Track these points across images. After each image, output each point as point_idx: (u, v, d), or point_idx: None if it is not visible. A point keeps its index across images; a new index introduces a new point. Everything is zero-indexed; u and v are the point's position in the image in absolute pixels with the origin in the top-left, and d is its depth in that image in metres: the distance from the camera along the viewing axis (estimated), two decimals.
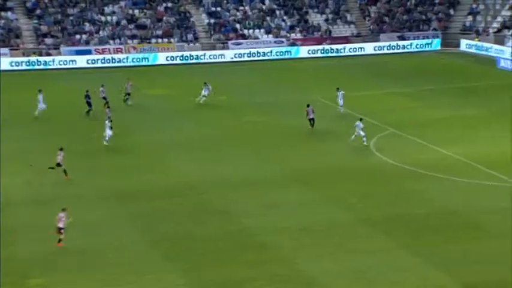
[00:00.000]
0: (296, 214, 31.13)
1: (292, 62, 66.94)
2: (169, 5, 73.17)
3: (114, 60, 65.54)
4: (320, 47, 69.60)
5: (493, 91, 53.49)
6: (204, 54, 67.58)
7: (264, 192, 33.93)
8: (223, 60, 67.24)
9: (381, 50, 70.03)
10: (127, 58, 65.96)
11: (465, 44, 69.77)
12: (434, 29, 72.65)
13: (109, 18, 71.02)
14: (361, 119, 40.05)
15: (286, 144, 40.97)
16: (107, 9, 71.76)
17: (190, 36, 70.05)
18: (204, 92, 49.66)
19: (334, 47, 69.58)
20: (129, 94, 49.49)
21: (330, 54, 68.93)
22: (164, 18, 71.64)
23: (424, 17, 74.16)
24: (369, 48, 69.93)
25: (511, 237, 28.28)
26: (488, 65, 62.69)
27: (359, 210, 31.43)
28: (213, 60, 67.05)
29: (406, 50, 70.21)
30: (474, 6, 73.78)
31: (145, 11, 72.27)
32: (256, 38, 70.80)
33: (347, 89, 48.79)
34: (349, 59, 67.51)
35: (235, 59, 67.34)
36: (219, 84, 54.94)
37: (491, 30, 70.35)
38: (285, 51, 68.83)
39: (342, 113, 45.87)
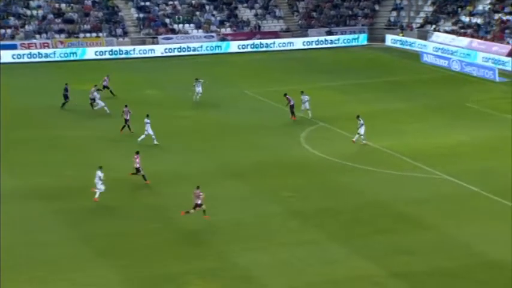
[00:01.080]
0: (229, 208, 31.27)
1: (222, 56, 66.97)
2: None
3: (40, 55, 64.08)
4: (250, 41, 69.86)
5: (417, 85, 54.87)
6: (134, 49, 66.87)
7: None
8: (153, 55, 66.72)
9: (309, 44, 70.81)
10: (54, 53, 64.60)
11: (390, 39, 71.29)
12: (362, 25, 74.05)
13: (35, 12, 69.33)
14: (358, 116, 39.58)
15: (218, 139, 41.03)
16: (32, 3, 70.02)
17: (119, 31, 69.13)
18: (198, 89, 48.56)
19: (264, 41, 69.98)
20: (93, 100, 47.43)
21: (260, 49, 69.27)
22: (92, 12, 70.46)
23: (350, 13, 75.38)
24: (298, 43, 70.63)
25: (438, 228, 29.22)
26: (412, 59, 64.22)
27: (290, 203, 31.81)
28: (143, 55, 66.41)
29: (334, 45, 71.22)
30: (398, 2, 75.46)
31: (72, 5, 70.88)
32: (187, 32, 70.50)
33: (278, 84, 49.15)
34: (279, 54, 68.00)
35: (165, 54, 66.91)
36: (149, 79, 54.58)
37: (414, 26, 72.10)
38: (216, 46, 68.80)
39: (310, 118, 44.43)
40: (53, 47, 65.37)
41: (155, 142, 39.42)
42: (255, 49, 69.26)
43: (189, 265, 26.00)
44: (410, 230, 28.95)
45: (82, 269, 25.62)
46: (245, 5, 74.78)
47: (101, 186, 31.53)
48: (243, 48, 69.13)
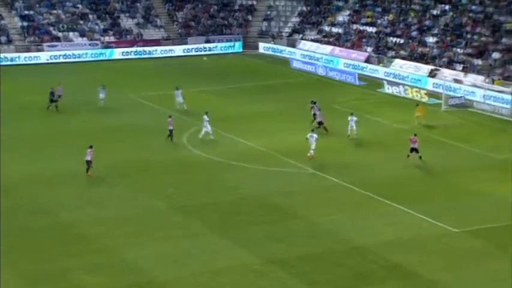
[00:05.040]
0: (117, 206, 30.83)
1: (107, 63, 65.63)
2: None
3: None
4: (133, 49, 68.94)
5: (287, 88, 56.20)
6: (19, 56, 64.28)
7: (85, 187, 33.24)
8: (38, 62, 64.40)
9: (189, 52, 70.77)
10: None
11: (263, 47, 72.54)
12: (237, 34, 74.88)
13: None
14: (352, 113, 40.61)
15: (106, 140, 40.16)
16: None
17: (3, 39, 66.21)
18: (178, 98, 46.36)
19: (147, 49, 69.27)
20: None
21: (142, 56, 68.48)
22: None
23: (226, 22, 76.04)
24: (179, 50, 70.44)
25: (307, 217, 30.13)
26: (282, 65, 65.61)
27: (175, 199, 31.78)
28: (28, 62, 63.96)
29: (212, 52, 71.59)
30: (268, 13, 77.01)
31: None
32: (71, 40, 68.57)
33: (160, 88, 48.20)
34: (161, 60, 67.46)
35: (50, 61, 64.74)
36: (35, 85, 52.58)
37: (284, 35, 73.81)
38: (100, 53, 67.35)
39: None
40: None
41: (211, 137, 39.92)
42: (138, 56, 68.43)
43: (77, 261, 25.40)
44: (282, 220, 29.66)
45: None
46: (127, 14, 73.72)
47: (313, 144, 36.54)
48: (127, 55, 68.14)
